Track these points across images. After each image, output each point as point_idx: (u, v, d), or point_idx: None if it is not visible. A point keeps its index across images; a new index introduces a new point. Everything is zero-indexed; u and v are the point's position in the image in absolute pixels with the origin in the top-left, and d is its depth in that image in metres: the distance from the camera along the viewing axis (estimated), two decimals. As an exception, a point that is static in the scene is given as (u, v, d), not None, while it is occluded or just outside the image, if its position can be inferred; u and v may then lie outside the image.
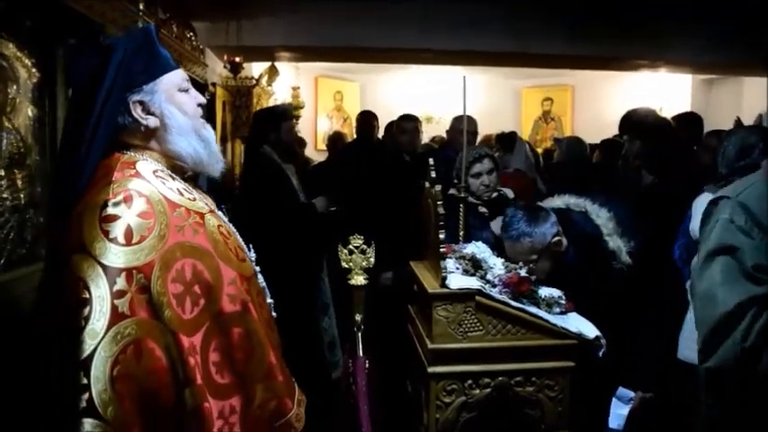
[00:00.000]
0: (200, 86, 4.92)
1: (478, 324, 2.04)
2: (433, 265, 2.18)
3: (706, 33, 6.09)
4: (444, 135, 5.33)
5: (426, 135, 6.48)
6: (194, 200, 1.42)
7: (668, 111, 6.40)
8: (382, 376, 2.61)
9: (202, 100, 1.55)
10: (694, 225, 2.40)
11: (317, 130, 9.64)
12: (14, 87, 2.19)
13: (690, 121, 4.33)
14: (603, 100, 9.53)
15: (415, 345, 2.29)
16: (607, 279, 2.33)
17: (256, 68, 6.86)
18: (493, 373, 2.05)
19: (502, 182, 3.41)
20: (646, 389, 2.38)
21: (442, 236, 2.08)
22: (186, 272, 1.28)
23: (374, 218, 3.67)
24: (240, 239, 1.55)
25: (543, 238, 2.31)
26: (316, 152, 8.75)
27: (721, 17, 5.83)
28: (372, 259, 2.49)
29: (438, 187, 2.14)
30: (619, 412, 2.42)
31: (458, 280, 2.08)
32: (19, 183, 2.24)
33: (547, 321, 2.05)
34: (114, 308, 1.19)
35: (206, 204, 1.46)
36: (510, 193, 3.25)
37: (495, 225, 2.90)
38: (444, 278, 2.04)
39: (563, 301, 2.14)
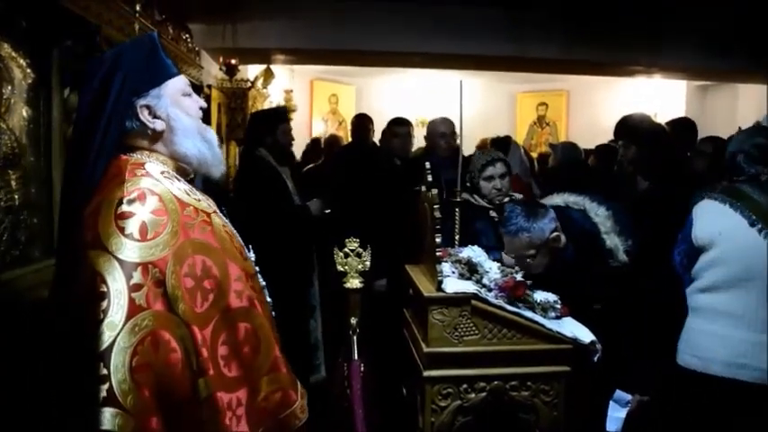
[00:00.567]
0: (196, 88, 4.91)
1: (474, 328, 2.03)
2: (429, 269, 2.18)
3: (701, 40, 6.13)
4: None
5: (422, 139, 6.46)
6: (199, 200, 1.48)
7: (663, 117, 6.41)
8: (378, 380, 2.60)
9: (204, 104, 1.61)
10: (697, 231, 2.40)
11: (311, 133, 9.63)
12: (9, 88, 2.17)
13: (684, 126, 4.34)
14: (598, 105, 9.57)
15: (410, 348, 2.28)
16: (604, 277, 2.33)
17: (252, 71, 6.87)
18: (488, 378, 2.05)
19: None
20: (643, 392, 2.38)
21: (438, 239, 2.07)
22: (197, 267, 1.33)
23: (368, 222, 3.67)
24: (240, 240, 1.59)
25: (542, 233, 2.32)
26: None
27: (716, 24, 5.88)
28: (368, 262, 2.48)
29: (434, 191, 2.13)
30: (616, 415, 2.42)
31: (453, 284, 2.08)
32: (13, 183, 2.23)
33: (542, 326, 2.04)
34: (132, 300, 1.23)
35: (209, 205, 1.51)
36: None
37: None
38: (440, 282, 2.04)
39: (558, 306, 2.14)
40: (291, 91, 8.32)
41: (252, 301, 1.41)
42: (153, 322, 1.24)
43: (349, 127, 6.19)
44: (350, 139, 5.77)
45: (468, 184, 3.14)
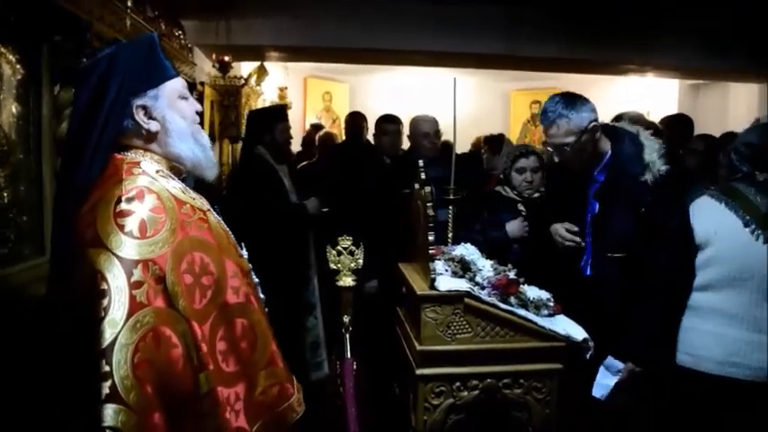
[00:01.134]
0: (189, 85, 4.89)
1: (467, 326, 2.03)
2: (422, 267, 2.18)
3: (693, 39, 6.15)
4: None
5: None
6: (194, 199, 1.50)
7: (655, 115, 6.43)
8: (370, 378, 2.60)
9: (199, 108, 1.63)
10: (695, 227, 2.40)
11: (305, 130, 9.61)
12: (-2, 84, 2.16)
13: (681, 122, 4.37)
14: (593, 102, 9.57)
15: (403, 346, 2.28)
16: (633, 192, 2.34)
17: (245, 68, 6.84)
18: (481, 375, 2.05)
19: (491, 184, 3.41)
20: (638, 362, 2.31)
21: (431, 238, 2.07)
22: (196, 264, 1.35)
23: (361, 220, 3.66)
24: (233, 237, 1.61)
25: (581, 120, 2.35)
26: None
27: (709, 23, 5.89)
28: (361, 261, 2.48)
29: (428, 189, 2.13)
30: (604, 382, 2.35)
31: (446, 282, 2.08)
32: (2, 181, 2.21)
33: (535, 324, 2.05)
34: (132, 297, 1.24)
35: (203, 204, 1.53)
36: None
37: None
38: (433, 280, 2.04)
39: (551, 304, 2.14)
40: (285, 88, 8.29)
41: (248, 297, 1.44)
42: (154, 319, 1.26)
43: (343, 125, 6.19)
44: (344, 137, 5.75)
45: (500, 176, 3.18)
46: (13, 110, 2.26)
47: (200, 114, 1.61)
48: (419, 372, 2.03)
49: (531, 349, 2.07)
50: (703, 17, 5.84)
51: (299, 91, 9.51)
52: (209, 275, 1.36)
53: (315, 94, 9.88)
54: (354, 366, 2.38)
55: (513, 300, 2.10)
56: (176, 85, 1.55)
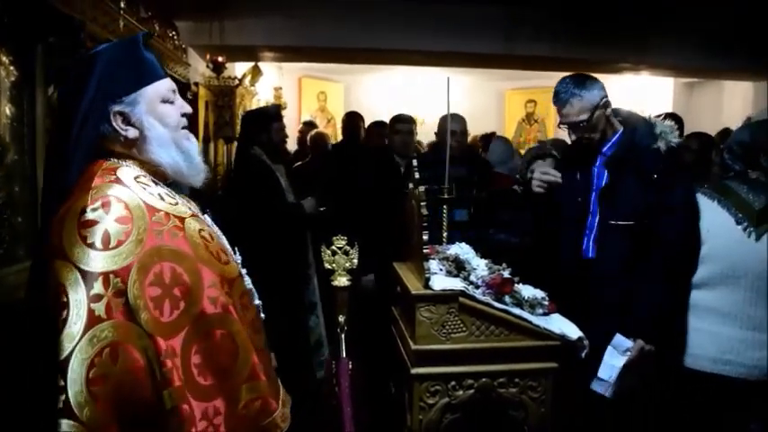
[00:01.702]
0: (183, 86, 4.89)
1: (462, 325, 2.04)
2: (417, 267, 2.18)
3: (688, 37, 6.17)
4: (434, 137, 5.32)
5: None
6: (176, 204, 1.44)
7: (650, 113, 6.46)
8: (365, 377, 2.60)
9: (188, 109, 1.55)
10: None
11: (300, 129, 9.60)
12: (-8, 85, 2.15)
13: (672, 120, 4.37)
14: (587, 102, 9.59)
15: (398, 346, 2.28)
16: (645, 159, 2.39)
17: (239, 68, 6.83)
18: (476, 375, 2.05)
19: (499, 183, 3.43)
20: (648, 339, 2.26)
21: (425, 237, 2.07)
22: (165, 275, 1.29)
23: (360, 219, 3.67)
24: (224, 242, 1.56)
25: (592, 97, 2.43)
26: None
27: (704, 22, 5.91)
28: (356, 260, 2.48)
29: (422, 189, 2.13)
30: (612, 363, 2.29)
31: (441, 281, 2.08)
32: (-4, 182, 2.20)
33: (530, 323, 2.05)
34: (91, 311, 1.21)
35: (189, 209, 1.48)
36: None
37: None
38: (428, 279, 2.04)
39: (546, 303, 2.14)
40: (280, 88, 8.28)
41: (226, 308, 1.37)
42: (113, 333, 1.22)
43: (339, 125, 6.19)
44: (338, 137, 5.76)
45: (517, 176, 3.21)
46: (7, 111, 2.26)
47: (190, 116, 1.55)
48: (414, 371, 2.03)
49: (526, 348, 2.07)
50: (699, 16, 5.86)
51: (293, 91, 9.51)
52: (181, 286, 1.31)
53: (310, 94, 9.88)
54: (350, 366, 2.37)
55: (507, 299, 2.10)
56: (160, 88, 1.48)
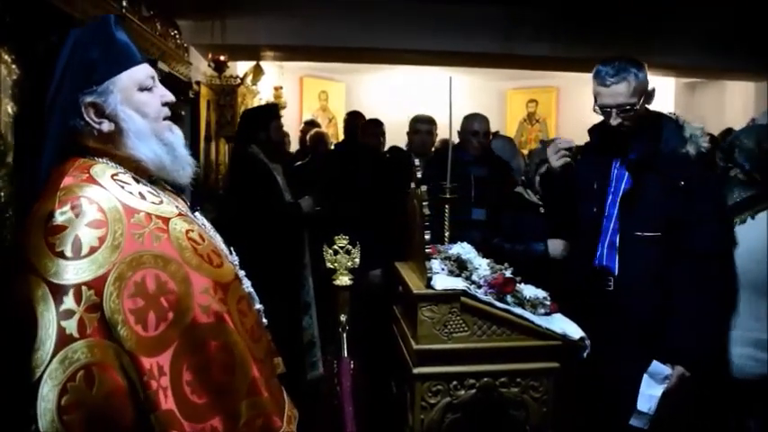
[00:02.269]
0: (184, 85, 4.89)
1: (463, 325, 2.03)
2: (419, 266, 2.18)
3: (689, 37, 6.16)
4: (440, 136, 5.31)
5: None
6: (160, 203, 1.31)
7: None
8: (367, 377, 2.60)
9: (170, 98, 1.41)
10: None
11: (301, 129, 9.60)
12: (-7, 84, 2.15)
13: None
14: (588, 102, 9.38)
15: (399, 345, 2.28)
16: (673, 164, 2.26)
17: (241, 67, 6.83)
18: (478, 374, 2.05)
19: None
20: (690, 365, 2.10)
21: (427, 237, 2.07)
22: (148, 284, 1.16)
23: (362, 217, 3.67)
24: (219, 242, 1.45)
25: (645, 80, 2.33)
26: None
27: (705, 22, 5.90)
28: (357, 260, 2.48)
29: (424, 188, 2.13)
30: (649, 393, 2.13)
31: (443, 281, 2.08)
32: (-2, 181, 2.20)
33: (531, 322, 2.05)
34: (61, 330, 1.08)
35: (176, 207, 1.35)
36: None
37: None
38: (429, 279, 2.04)
39: (548, 302, 2.14)
40: (281, 88, 8.28)
41: (221, 317, 1.23)
42: (87, 354, 1.09)
43: (340, 124, 6.19)
44: (340, 137, 5.77)
45: (522, 178, 3.12)
46: (9, 110, 2.26)
47: (172, 105, 1.41)
48: (416, 371, 2.03)
49: (527, 348, 2.06)
50: (700, 16, 5.85)
51: (294, 90, 9.50)
52: (167, 295, 1.17)
53: (311, 94, 9.86)
54: (351, 365, 2.38)
55: (509, 298, 2.10)
56: (136, 74, 1.33)
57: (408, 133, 4.32)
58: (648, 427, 2.15)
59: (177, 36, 4.63)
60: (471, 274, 2.18)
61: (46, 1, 2.33)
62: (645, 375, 2.17)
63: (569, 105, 10.08)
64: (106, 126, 1.29)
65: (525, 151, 8.11)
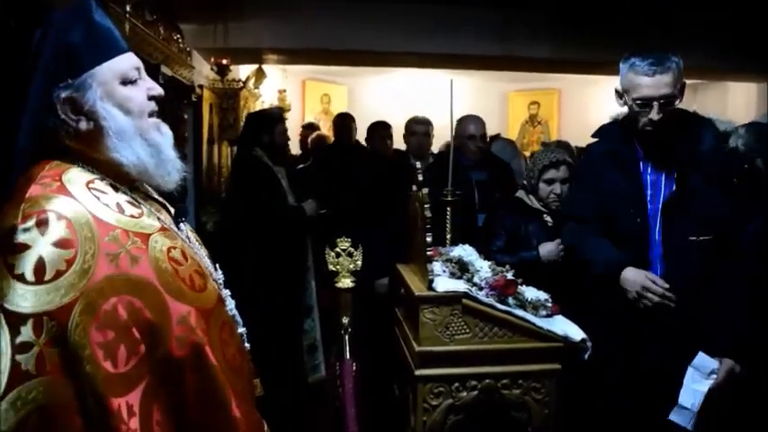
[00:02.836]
0: (187, 88, 4.91)
1: (465, 327, 2.04)
2: (420, 268, 2.18)
3: (691, 39, 6.16)
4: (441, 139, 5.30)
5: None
6: (140, 216, 1.16)
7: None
8: (369, 379, 2.60)
9: (157, 91, 1.25)
10: None
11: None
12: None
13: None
14: (590, 104, 9.58)
15: (401, 347, 2.28)
16: (723, 162, 2.17)
17: (243, 71, 6.85)
18: (480, 376, 2.05)
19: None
20: (740, 358, 1.98)
21: (428, 239, 2.08)
22: (120, 313, 1.02)
23: (357, 220, 3.68)
24: (204, 260, 1.31)
25: (682, 72, 2.20)
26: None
27: (707, 23, 5.90)
28: (360, 262, 2.49)
29: (425, 190, 2.14)
30: (695, 387, 2.00)
31: (444, 283, 2.08)
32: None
33: (533, 324, 2.05)
34: (16, 365, 0.94)
35: (158, 220, 1.21)
36: None
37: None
38: (431, 281, 2.04)
39: (549, 304, 2.14)
40: (284, 91, 8.30)
41: (199, 349, 1.10)
42: (43, 395, 0.95)
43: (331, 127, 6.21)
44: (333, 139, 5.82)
45: (524, 182, 3.01)
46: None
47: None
48: (418, 372, 2.04)
49: (529, 350, 2.07)
50: (702, 17, 5.85)
51: (297, 93, 9.52)
52: (141, 325, 1.04)
53: (313, 97, 9.88)
54: (354, 367, 2.38)
55: (511, 300, 2.11)
56: (119, 65, 1.17)
57: (405, 135, 4.23)
58: (692, 425, 2.02)
59: (180, 40, 4.65)
60: (473, 277, 2.19)
61: (49, 6, 2.34)
62: (689, 368, 2.04)
63: (571, 107, 10.09)
64: (84, 124, 1.14)
65: (527, 153, 8.13)
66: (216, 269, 1.36)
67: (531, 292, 2.18)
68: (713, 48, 6.20)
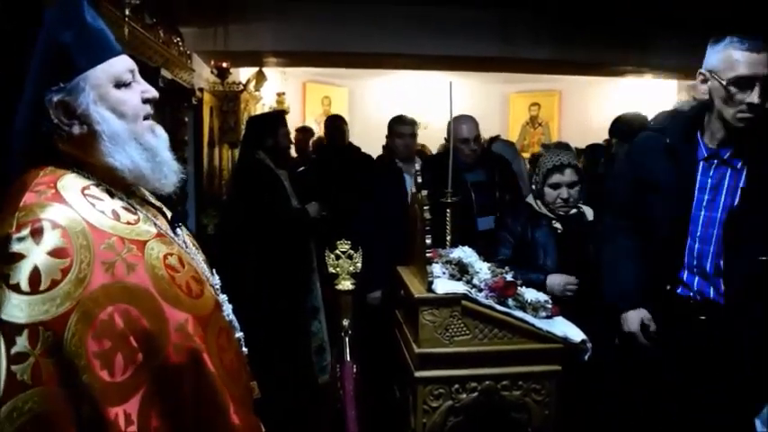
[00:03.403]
0: (187, 92, 4.92)
1: (465, 328, 2.04)
2: (420, 270, 2.19)
3: (690, 39, 6.15)
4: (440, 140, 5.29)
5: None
6: (136, 222, 1.16)
7: (654, 115, 6.45)
8: (370, 381, 2.60)
9: (152, 94, 1.23)
10: None
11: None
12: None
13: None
14: (590, 105, 9.59)
15: (401, 349, 2.29)
16: None
17: (244, 74, 6.86)
18: (479, 378, 2.06)
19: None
20: None
21: (428, 241, 2.08)
22: (116, 321, 1.02)
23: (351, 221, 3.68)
24: (201, 265, 1.30)
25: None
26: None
27: (705, 23, 5.90)
28: (359, 264, 2.48)
29: (424, 192, 2.14)
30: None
31: (444, 285, 2.09)
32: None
33: (533, 325, 2.06)
34: (11, 376, 0.94)
35: (154, 225, 1.20)
36: (590, 213, 2.84)
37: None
38: (430, 283, 2.05)
39: (549, 305, 2.15)
40: (284, 93, 8.32)
41: (197, 356, 1.10)
42: (39, 405, 0.95)
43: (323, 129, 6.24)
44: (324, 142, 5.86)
45: (533, 187, 2.91)
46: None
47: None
48: (418, 374, 2.04)
49: (529, 351, 2.08)
50: (700, 17, 5.85)
51: (297, 96, 9.54)
52: (138, 334, 1.03)
53: (314, 99, 9.90)
54: (354, 369, 2.38)
55: (510, 302, 2.11)
56: (112, 68, 1.15)
57: (389, 137, 3.96)
58: None
59: (180, 43, 4.65)
60: (472, 278, 2.20)
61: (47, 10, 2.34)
62: (756, 421, 1.94)
63: (571, 108, 10.10)
64: (77, 129, 1.13)
65: (527, 155, 8.14)
66: (213, 274, 1.34)
67: (530, 294, 2.19)
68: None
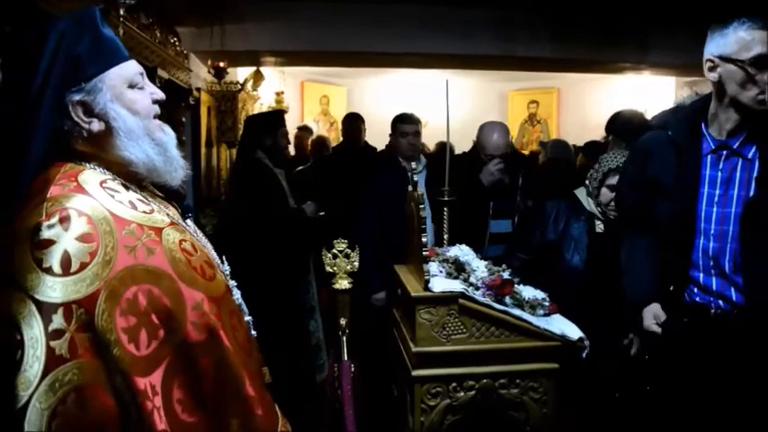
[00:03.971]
0: (185, 92, 4.91)
1: (462, 327, 2.04)
2: (417, 269, 2.18)
3: (688, 36, 6.15)
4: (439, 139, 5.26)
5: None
6: (151, 212, 1.26)
7: (652, 112, 6.43)
8: (367, 380, 2.60)
9: (160, 96, 1.35)
10: None
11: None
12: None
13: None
14: (588, 102, 9.59)
15: (399, 348, 2.28)
16: None
17: (241, 73, 6.86)
18: (477, 376, 2.05)
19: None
20: None
21: (424, 239, 2.08)
22: (140, 300, 1.11)
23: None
24: (211, 252, 1.40)
25: None
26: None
27: (704, 20, 5.90)
28: (357, 263, 2.48)
29: (420, 191, 2.14)
30: None
31: (441, 283, 2.08)
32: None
33: (530, 323, 2.05)
34: (50, 351, 1.02)
35: (167, 216, 1.30)
36: None
37: None
38: (427, 281, 2.04)
39: (547, 303, 2.14)
40: (282, 93, 8.31)
41: (214, 332, 1.19)
42: (78, 376, 1.03)
43: (340, 127, 6.23)
44: (341, 140, 5.79)
45: (586, 182, 2.84)
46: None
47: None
48: (415, 373, 2.04)
49: (526, 349, 2.07)
50: (699, 14, 5.84)
51: (295, 95, 9.53)
52: (159, 311, 1.13)
53: (312, 98, 9.89)
54: (352, 368, 2.38)
55: (508, 300, 2.11)
56: (125, 71, 1.27)
57: (392, 135, 3.86)
58: None
59: (177, 43, 4.65)
60: (469, 276, 2.19)
61: (42, 11, 2.34)
62: None
63: (569, 106, 10.10)
64: (96, 125, 1.23)
65: (526, 152, 8.13)
66: (223, 262, 1.44)
67: (528, 292, 2.18)
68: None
